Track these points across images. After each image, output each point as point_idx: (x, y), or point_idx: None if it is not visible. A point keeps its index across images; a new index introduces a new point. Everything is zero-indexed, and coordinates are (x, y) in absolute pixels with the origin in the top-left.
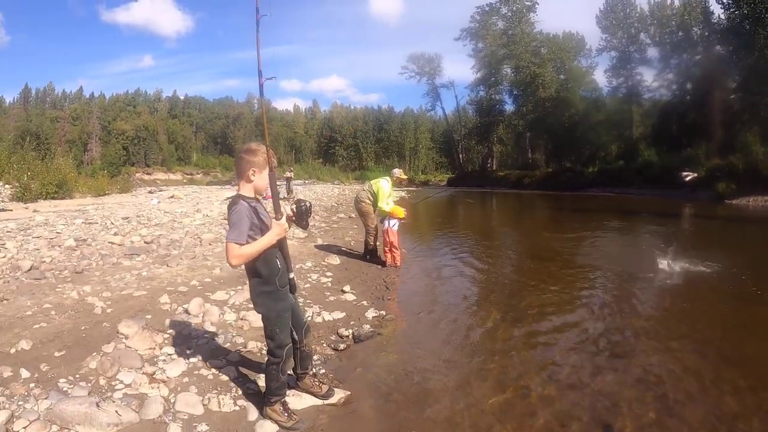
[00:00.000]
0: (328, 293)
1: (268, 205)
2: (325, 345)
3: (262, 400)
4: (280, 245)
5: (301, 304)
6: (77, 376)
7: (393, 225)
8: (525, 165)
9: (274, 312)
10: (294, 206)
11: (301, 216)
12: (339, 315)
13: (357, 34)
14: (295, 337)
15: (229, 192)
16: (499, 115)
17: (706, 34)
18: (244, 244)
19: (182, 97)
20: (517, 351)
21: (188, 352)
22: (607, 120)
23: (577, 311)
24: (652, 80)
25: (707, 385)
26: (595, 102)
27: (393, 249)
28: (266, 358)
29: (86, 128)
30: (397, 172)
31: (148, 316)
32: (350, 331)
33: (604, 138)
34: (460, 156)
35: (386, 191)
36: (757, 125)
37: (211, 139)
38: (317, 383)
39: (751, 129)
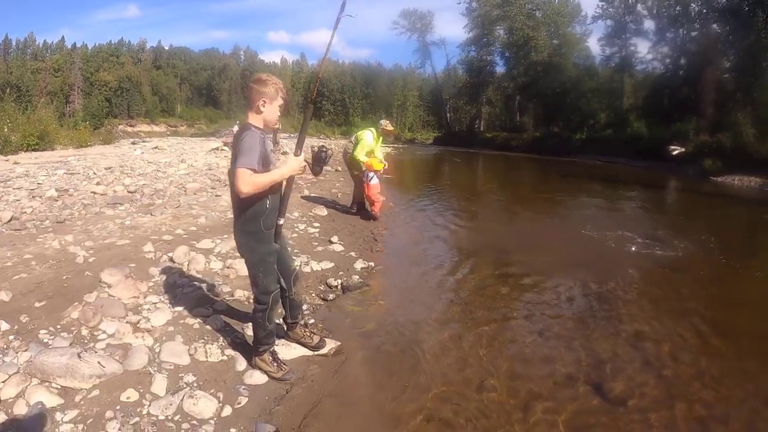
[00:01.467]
0: (316, 243)
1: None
2: (314, 295)
3: (251, 349)
4: (288, 184)
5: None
6: (58, 327)
7: (371, 179)
8: (513, 128)
9: (257, 255)
10: (316, 149)
11: (319, 161)
12: (327, 265)
13: None
14: (284, 284)
15: (215, 143)
16: (490, 77)
17: (704, 11)
18: (256, 172)
19: (167, 48)
20: (505, 304)
21: (173, 300)
22: (598, 88)
23: (564, 271)
24: (646, 52)
25: (687, 348)
26: (587, 70)
27: (373, 202)
28: (252, 306)
29: (68, 79)
30: (384, 123)
31: (132, 265)
32: (339, 281)
33: (594, 106)
34: (448, 115)
35: (367, 142)
36: (749, 106)
37: (196, 91)
38: (308, 333)
39: (742, 110)
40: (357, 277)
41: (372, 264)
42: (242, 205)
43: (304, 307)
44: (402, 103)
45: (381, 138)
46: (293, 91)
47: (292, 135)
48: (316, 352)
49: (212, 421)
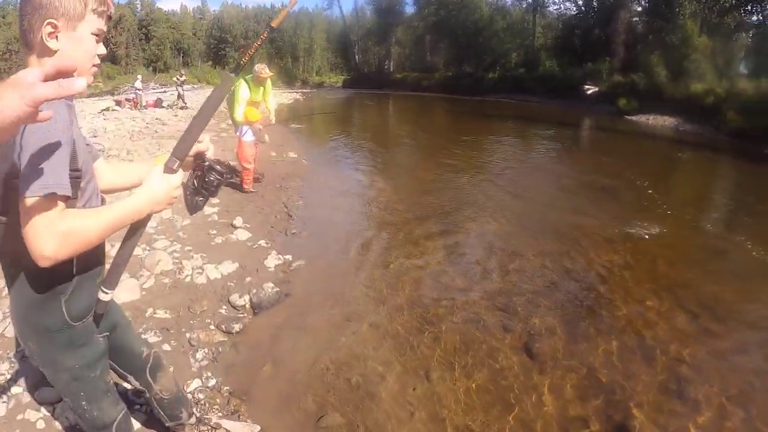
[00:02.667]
0: (214, 232)
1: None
2: (212, 327)
3: None
4: (131, 231)
5: (168, 260)
6: None
7: (244, 134)
8: (424, 68)
9: (64, 372)
10: (206, 165)
11: (204, 187)
12: (230, 268)
13: None
14: (138, 386)
15: (105, 102)
16: (400, 17)
17: None
18: (69, 201)
19: None
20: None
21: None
22: (510, 28)
23: (495, 227)
24: None
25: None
26: (499, 9)
27: (244, 167)
28: None
29: None
30: (258, 68)
31: None
32: (247, 296)
33: (507, 45)
34: (357, 57)
35: (242, 96)
36: (661, 49)
37: None
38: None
39: (654, 52)
40: (271, 284)
41: (289, 258)
42: (23, 269)
43: (200, 353)
44: (309, 46)
45: (265, 87)
46: (195, 39)
47: (195, 86)
48: None
49: None
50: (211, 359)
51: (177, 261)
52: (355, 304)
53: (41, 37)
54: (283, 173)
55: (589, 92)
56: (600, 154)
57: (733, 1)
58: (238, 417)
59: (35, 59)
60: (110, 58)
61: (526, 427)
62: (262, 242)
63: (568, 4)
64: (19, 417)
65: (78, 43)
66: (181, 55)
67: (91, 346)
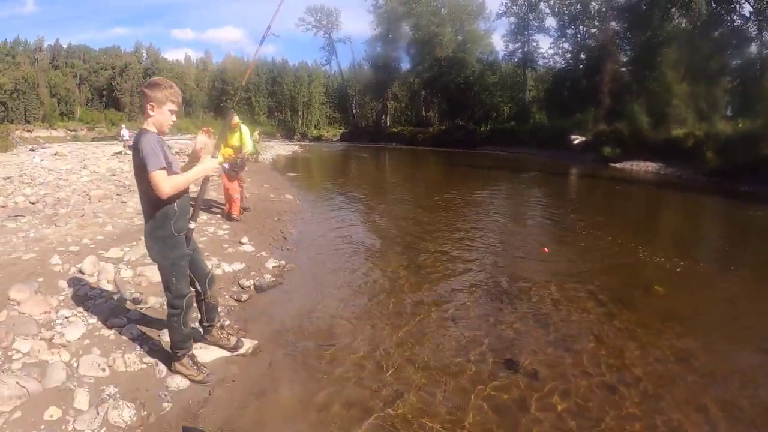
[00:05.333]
0: (226, 245)
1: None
2: (227, 296)
3: (170, 355)
4: (202, 186)
5: None
6: None
7: (226, 169)
8: (419, 122)
9: (168, 260)
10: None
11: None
12: (239, 266)
13: None
14: (199, 288)
15: (117, 147)
16: (395, 73)
17: (604, 9)
18: (167, 171)
19: (65, 47)
20: (415, 293)
21: (86, 313)
22: (501, 82)
23: (468, 258)
24: (547, 47)
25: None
26: (491, 65)
27: (232, 198)
28: (167, 312)
29: None
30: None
31: (40, 279)
32: (251, 281)
33: (497, 99)
34: (354, 111)
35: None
36: (644, 97)
37: (97, 92)
38: (225, 335)
39: (637, 100)
40: (269, 276)
41: (283, 263)
42: (151, 209)
43: (219, 309)
44: (308, 100)
45: (240, 132)
46: (197, 91)
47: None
48: (234, 353)
49: (138, 430)
50: (226, 313)
51: None
52: (329, 289)
53: (147, 108)
54: (280, 210)
55: (576, 142)
56: (584, 200)
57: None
58: (243, 337)
59: (145, 118)
60: (114, 104)
61: None
62: (263, 253)
63: (557, 58)
64: (96, 333)
65: (163, 114)
66: (184, 104)
67: (182, 249)
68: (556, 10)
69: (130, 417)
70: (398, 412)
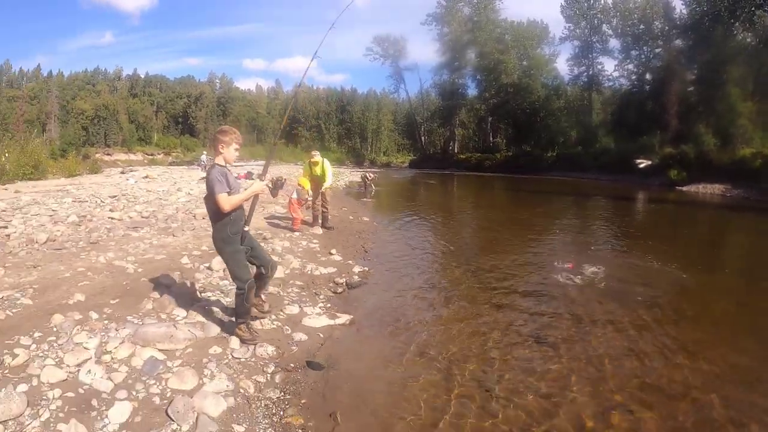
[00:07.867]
0: (319, 255)
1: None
2: (326, 289)
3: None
4: (253, 201)
5: (297, 263)
6: (140, 314)
7: (293, 194)
8: (486, 148)
9: (225, 253)
10: (274, 178)
11: (276, 186)
12: (331, 270)
13: (324, 13)
14: (263, 271)
15: (202, 173)
16: (462, 99)
17: (667, 28)
18: (229, 193)
19: (143, 76)
20: (478, 294)
21: (221, 294)
22: (567, 106)
23: (526, 271)
24: (612, 70)
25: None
26: (556, 89)
27: (294, 216)
28: (234, 292)
29: (45, 108)
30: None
31: (178, 273)
32: (344, 280)
33: (564, 124)
34: (422, 138)
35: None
36: (711, 118)
37: (172, 119)
38: (261, 302)
39: (704, 121)
40: (357, 277)
41: (367, 269)
42: (215, 218)
43: (321, 297)
44: (376, 127)
45: (321, 165)
46: (268, 118)
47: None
48: (333, 321)
49: (277, 360)
50: (325, 300)
51: (301, 265)
52: (401, 288)
53: (218, 147)
54: (359, 229)
55: (642, 165)
56: (654, 224)
57: None
58: (343, 313)
59: (216, 155)
60: (189, 131)
61: None
62: (350, 261)
63: (622, 80)
64: (233, 308)
65: (230, 152)
66: (255, 131)
67: (237, 245)
68: (619, 30)
69: (271, 352)
70: (451, 355)
